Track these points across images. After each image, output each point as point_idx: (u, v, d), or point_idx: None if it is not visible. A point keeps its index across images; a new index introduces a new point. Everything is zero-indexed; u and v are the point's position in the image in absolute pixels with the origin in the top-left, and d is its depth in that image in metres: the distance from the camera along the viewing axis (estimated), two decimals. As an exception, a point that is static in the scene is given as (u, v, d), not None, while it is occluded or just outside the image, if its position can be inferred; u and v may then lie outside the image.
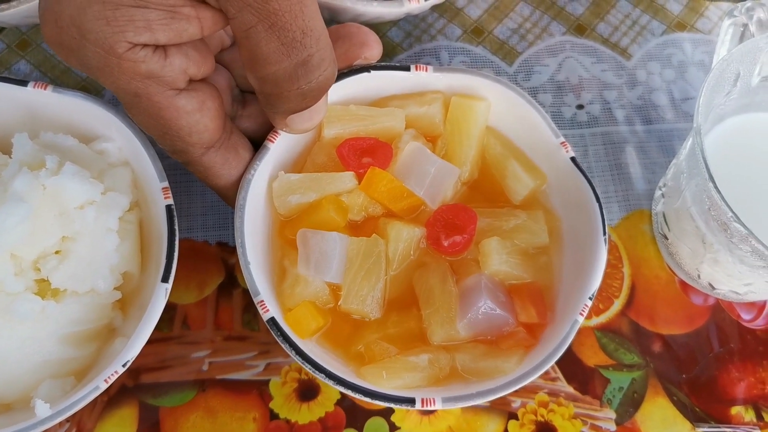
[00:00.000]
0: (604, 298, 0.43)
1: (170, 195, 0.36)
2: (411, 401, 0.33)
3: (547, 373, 0.41)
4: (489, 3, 0.50)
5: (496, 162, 0.40)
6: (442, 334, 0.36)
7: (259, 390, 0.39)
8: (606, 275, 0.44)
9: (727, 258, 0.37)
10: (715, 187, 0.33)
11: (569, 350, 0.42)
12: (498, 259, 0.37)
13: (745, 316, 0.44)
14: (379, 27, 0.48)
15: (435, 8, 0.50)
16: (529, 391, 0.41)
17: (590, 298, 0.36)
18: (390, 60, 0.48)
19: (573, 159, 0.39)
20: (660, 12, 0.51)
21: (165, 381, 0.39)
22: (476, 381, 0.35)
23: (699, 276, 0.42)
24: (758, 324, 0.44)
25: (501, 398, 0.41)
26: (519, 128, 0.40)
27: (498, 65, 0.48)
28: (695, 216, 0.38)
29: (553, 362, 0.34)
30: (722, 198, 0.33)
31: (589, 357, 0.42)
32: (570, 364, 0.42)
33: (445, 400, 0.33)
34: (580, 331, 0.42)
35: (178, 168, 0.43)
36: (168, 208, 0.35)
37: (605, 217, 0.37)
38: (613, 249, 0.45)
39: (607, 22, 0.51)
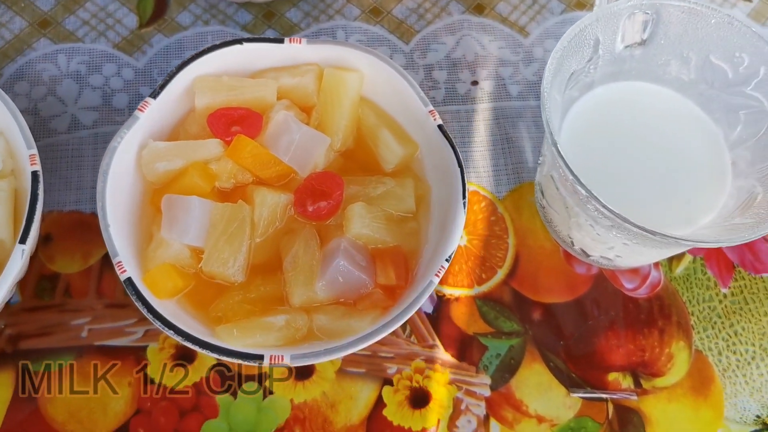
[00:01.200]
0: (487, 268, 0.44)
1: (37, 162, 0.37)
2: (260, 357, 0.34)
3: (424, 339, 0.42)
4: (389, -17, 0.51)
5: (369, 132, 0.41)
6: (301, 295, 0.36)
7: (136, 356, 0.40)
8: (491, 246, 0.45)
9: (585, 221, 0.38)
10: (557, 150, 0.34)
11: (448, 318, 0.42)
12: (360, 222, 0.38)
13: (628, 285, 0.44)
14: (277, 7, 0.49)
15: (335, -11, 0.51)
16: (406, 358, 0.41)
17: (447, 260, 0.36)
18: (287, 39, 0.49)
19: (440, 127, 0.39)
20: (569, -9, 0.52)
21: (43, 347, 0.40)
22: (330, 341, 0.36)
23: (572, 243, 0.42)
24: (641, 293, 0.44)
25: (377, 364, 0.41)
26: (392, 99, 0.41)
27: (395, 44, 0.49)
28: (556, 181, 0.38)
29: (402, 321, 0.35)
30: (564, 161, 0.34)
31: (468, 325, 0.42)
32: (449, 332, 0.42)
33: (294, 357, 0.34)
34: (460, 300, 0.43)
35: (71, 143, 0.44)
36: (34, 174, 0.36)
37: (466, 183, 0.38)
38: (499, 221, 0.45)
39: (507, 2, 0.51)
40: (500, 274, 0.44)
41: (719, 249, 0.45)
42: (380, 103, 0.42)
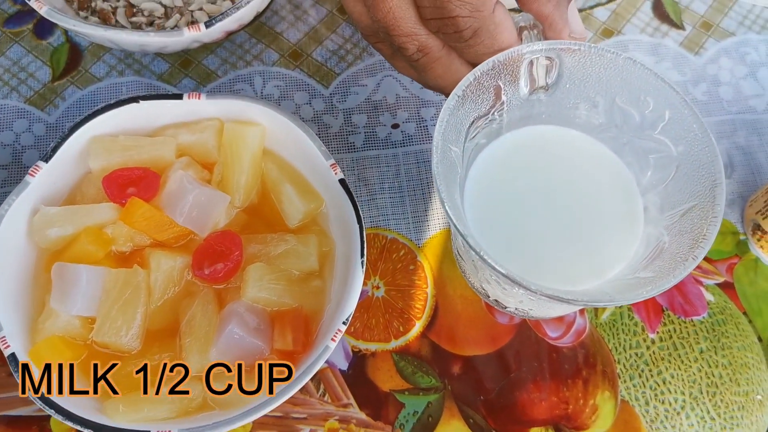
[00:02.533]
0: (405, 320, 0.43)
1: None
2: (144, 435, 0.33)
3: (339, 398, 0.40)
4: (310, 26, 0.50)
5: (273, 186, 0.40)
6: (197, 363, 0.35)
7: (39, 426, 0.39)
8: (409, 297, 0.43)
9: (490, 275, 0.36)
10: (444, 208, 0.33)
11: (364, 375, 0.41)
12: (257, 285, 0.36)
13: (552, 333, 0.43)
14: (194, 54, 0.49)
15: (253, 33, 0.50)
16: (319, 418, 0.40)
17: (344, 323, 0.35)
18: (204, 87, 0.48)
19: (341, 181, 0.38)
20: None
21: (-57, 419, 0.39)
22: (223, 411, 0.34)
23: (487, 294, 0.41)
24: (565, 341, 0.43)
25: (289, 426, 0.40)
26: (295, 152, 0.40)
27: (314, 88, 0.48)
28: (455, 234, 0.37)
29: (295, 391, 0.34)
30: (451, 219, 0.33)
31: (384, 381, 0.41)
32: (364, 390, 0.41)
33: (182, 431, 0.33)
34: (377, 355, 0.42)
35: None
36: None
37: (365, 240, 0.37)
38: (418, 269, 0.44)
39: (431, 40, 0.50)
40: (418, 326, 0.43)
41: (647, 292, 0.44)
42: (285, 156, 0.41)
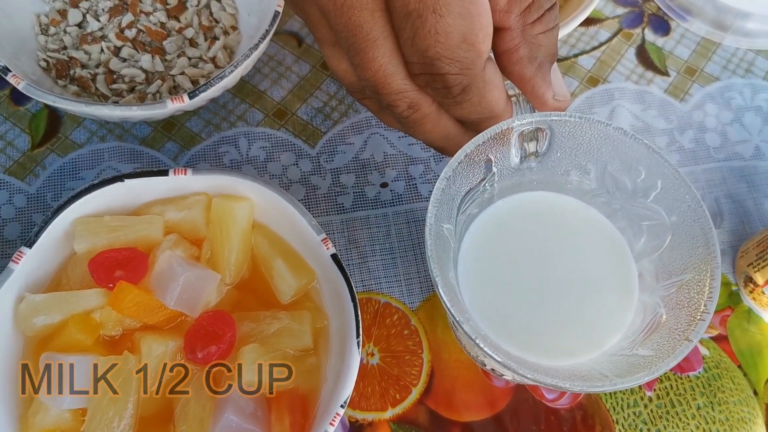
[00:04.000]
0: (401, 387, 0.42)
1: None
2: None
3: (337, 473, 0.40)
4: (294, 83, 0.50)
5: (264, 261, 0.39)
6: (192, 453, 0.35)
7: None
8: (405, 363, 0.43)
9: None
10: (435, 283, 0.32)
11: (362, 447, 0.41)
12: (251, 368, 0.36)
13: (549, 395, 0.43)
14: (177, 117, 0.48)
15: (236, 93, 0.49)
16: (318, 494, 0.39)
17: (342, 406, 0.35)
18: (188, 150, 0.47)
19: (333, 256, 0.38)
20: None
21: None
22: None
23: (484, 363, 0.40)
24: (562, 403, 0.42)
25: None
26: (285, 225, 0.40)
27: (300, 147, 0.48)
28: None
29: (294, 481, 0.33)
30: (445, 302, 0.32)
31: (382, 452, 0.41)
32: (363, 461, 0.40)
33: None
34: (374, 425, 0.41)
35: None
36: None
37: (360, 317, 0.36)
38: (413, 334, 0.43)
39: (417, 94, 0.50)
40: (415, 393, 0.42)
41: (642, 348, 0.44)
42: (275, 229, 0.40)
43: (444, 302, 0.32)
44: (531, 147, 0.38)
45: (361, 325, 0.36)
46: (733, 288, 0.46)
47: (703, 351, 0.44)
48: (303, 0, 0.34)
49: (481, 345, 0.31)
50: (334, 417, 0.34)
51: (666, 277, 0.36)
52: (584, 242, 0.39)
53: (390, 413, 0.41)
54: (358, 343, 0.36)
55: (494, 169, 0.38)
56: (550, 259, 0.38)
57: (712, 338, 0.44)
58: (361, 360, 0.42)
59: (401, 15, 0.31)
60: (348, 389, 0.35)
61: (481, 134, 0.36)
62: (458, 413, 0.42)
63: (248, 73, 0.49)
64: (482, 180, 0.37)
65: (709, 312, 0.33)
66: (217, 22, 0.48)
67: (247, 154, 0.47)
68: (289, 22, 0.52)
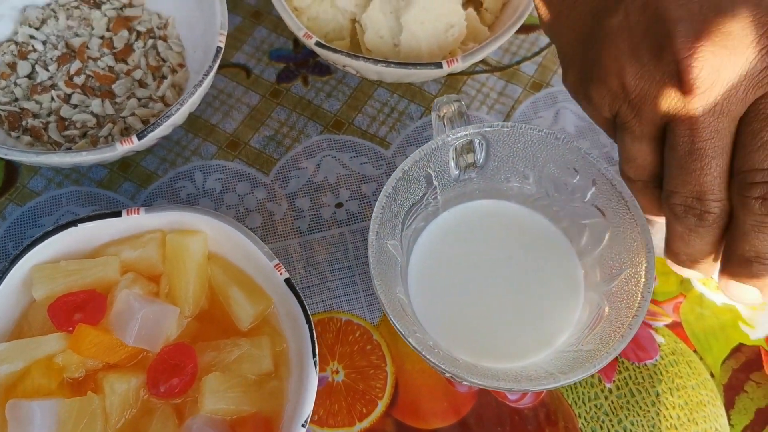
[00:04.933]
0: (367, 401, 0.43)
1: None
2: None
3: (310, 491, 0.41)
4: (244, 114, 0.51)
5: (221, 291, 0.40)
6: (160, 485, 0.36)
7: None
8: (369, 377, 0.44)
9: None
10: (381, 302, 0.34)
11: (332, 463, 0.42)
12: (214, 397, 0.37)
13: (512, 396, 0.44)
14: (133, 157, 0.49)
15: (189, 128, 0.50)
16: None
17: (303, 426, 0.36)
18: (145, 189, 0.48)
19: (287, 281, 0.39)
20: (418, 95, 0.52)
21: None
22: None
23: (444, 371, 0.41)
24: (525, 403, 0.43)
25: None
26: (239, 254, 0.41)
27: (254, 176, 0.49)
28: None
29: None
30: (387, 312, 0.33)
31: (352, 467, 0.42)
32: (334, 478, 0.41)
33: None
34: (343, 442, 0.42)
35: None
36: None
37: (315, 338, 0.37)
38: (375, 349, 0.44)
39: (365, 114, 0.51)
40: (381, 405, 0.43)
41: (600, 342, 0.45)
42: (230, 259, 0.41)
43: (390, 318, 0.33)
44: (469, 158, 0.39)
45: (316, 346, 0.37)
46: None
47: (659, 339, 0.45)
48: (651, 96, 0.32)
49: (427, 356, 0.32)
50: (297, 437, 0.35)
51: (608, 272, 0.38)
52: (529, 246, 0.40)
53: (358, 427, 0.42)
54: (314, 363, 0.37)
55: (435, 183, 0.39)
56: (497, 265, 0.40)
57: (666, 326, 0.46)
58: (327, 378, 0.43)
59: (762, 118, 0.30)
60: (307, 409, 0.36)
61: (418, 150, 0.37)
62: (425, 421, 0.43)
63: (199, 108, 0.51)
64: (424, 194, 0.39)
65: (646, 301, 0.34)
66: (164, 61, 0.49)
67: (204, 187, 0.48)
68: (236, 54, 0.53)
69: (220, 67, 0.52)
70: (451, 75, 0.52)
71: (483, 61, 0.53)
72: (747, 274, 0.33)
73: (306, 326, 0.37)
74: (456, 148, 0.38)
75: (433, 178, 0.38)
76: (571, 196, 0.39)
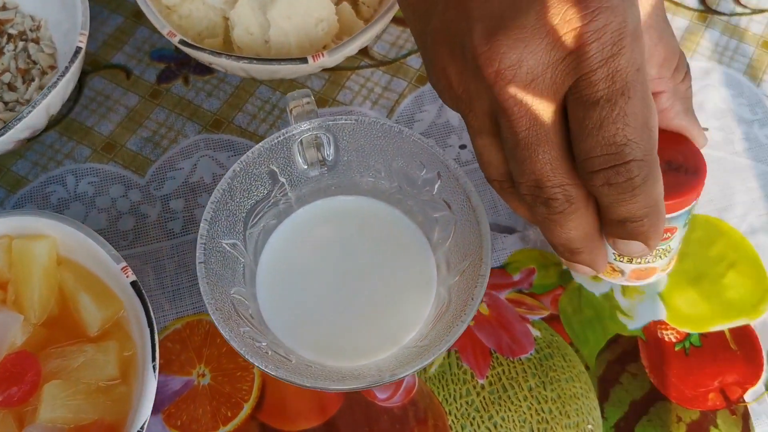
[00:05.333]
0: (233, 404, 0.42)
1: None
2: None
3: (170, 497, 0.40)
4: (122, 115, 0.50)
5: (70, 296, 0.40)
6: (-4, 496, 0.35)
7: None
8: (236, 379, 0.43)
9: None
10: (201, 287, 0.33)
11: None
12: (52, 405, 0.36)
13: (381, 395, 0.43)
14: (3, 161, 0.48)
15: (63, 132, 0.49)
16: None
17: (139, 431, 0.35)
18: (14, 194, 0.47)
19: (133, 283, 0.38)
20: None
21: None
22: None
23: (302, 371, 0.41)
24: (395, 401, 0.43)
25: None
26: (89, 259, 0.40)
27: (130, 179, 0.48)
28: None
29: None
30: (206, 300, 0.33)
31: (215, 471, 0.41)
32: (195, 483, 0.41)
33: None
34: (202, 446, 0.41)
35: None
36: None
37: (156, 342, 0.37)
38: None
39: (246, 112, 0.50)
40: (246, 408, 0.42)
41: (474, 336, 0.44)
42: (83, 263, 0.41)
43: (213, 319, 0.33)
44: (318, 153, 0.38)
45: (157, 350, 0.36)
46: (564, 267, 0.46)
47: (535, 333, 0.45)
48: (474, 93, 0.32)
49: (249, 358, 0.32)
50: (138, 444, 0.35)
51: (455, 266, 0.37)
52: (385, 242, 0.40)
53: (221, 431, 0.42)
54: (153, 367, 0.36)
55: (282, 179, 0.38)
56: (350, 263, 0.39)
57: (543, 319, 0.45)
58: (192, 381, 0.43)
59: (586, 105, 0.30)
60: (143, 415, 0.35)
61: (257, 146, 0.36)
62: (291, 423, 0.42)
63: (74, 111, 0.50)
64: (270, 191, 0.38)
65: (478, 296, 0.33)
66: (35, 63, 0.49)
67: (75, 191, 0.47)
68: (117, 55, 0.53)
69: (99, 68, 0.52)
70: (335, 70, 0.52)
71: (368, 56, 0.52)
72: (624, 235, 0.35)
73: (147, 329, 0.37)
74: (302, 144, 0.37)
75: (279, 175, 0.38)
76: (421, 189, 0.38)
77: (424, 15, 0.33)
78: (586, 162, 0.32)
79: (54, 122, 0.50)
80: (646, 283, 0.43)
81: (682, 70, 0.37)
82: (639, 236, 0.35)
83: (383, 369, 0.33)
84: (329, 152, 0.38)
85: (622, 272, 0.42)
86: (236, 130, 0.50)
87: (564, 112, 0.31)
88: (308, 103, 0.37)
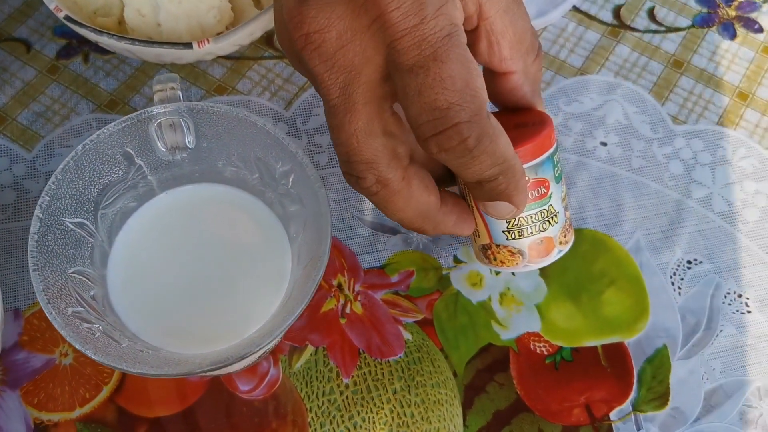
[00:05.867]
0: (92, 386, 0.42)
1: None
2: None
3: (14, 476, 0.40)
4: (17, 89, 0.50)
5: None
6: None
7: None
8: (96, 363, 0.43)
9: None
10: (30, 266, 0.32)
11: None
12: None
13: (244, 387, 0.43)
14: None
15: (-45, 101, 0.49)
16: (-8, 498, 0.39)
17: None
18: None
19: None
20: (201, 78, 0.51)
21: None
22: None
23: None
24: (257, 394, 0.42)
25: None
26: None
27: (16, 152, 0.47)
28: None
29: None
30: (33, 280, 0.32)
31: (63, 453, 0.41)
32: (43, 463, 0.40)
33: None
34: (59, 425, 0.41)
35: None
36: None
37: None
38: (110, 332, 0.43)
39: (143, 94, 0.50)
40: (105, 390, 0.42)
41: (344, 335, 0.44)
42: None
43: (38, 298, 0.32)
44: (175, 140, 0.38)
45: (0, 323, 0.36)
46: (444, 272, 0.46)
47: (407, 335, 0.44)
48: (293, 59, 0.33)
49: (68, 338, 0.31)
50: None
51: (302, 262, 0.36)
52: (244, 232, 0.39)
53: (77, 413, 0.41)
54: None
55: (139, 162, 0.38)
56: (207, 251, 0.39)
57: (416, 322, 0.45)
58: (54, 360, 0.42)
59: (403, 73, 0.30)
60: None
61: (109, 125, 0.36)
62: (149, 409, 0.42)
63: (-31, 81, 0.49)
64: (126, 173, 0.38)
65: (311, 290, 0.33)
66: (-70, 30, 0.48)
67: (-42, 162, 0.47)
68: (20, 28, 0.52)
69: (0, 41, 0.51)
70: (238, 59, 0.51)
71: (273, 47, 0.52)
72: (485, 196, 0.35)
73: (-7, 305, 0.36)
74: (160, 127, 0.37)
75: (135, 157, 0.37)
76: (278, 182, 0.38)
77: None
78: (416, 130, 0.32)
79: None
80: (549, 261, 0.40)
81: (533, 51, 0.37)
82: (501, 195, 0.35)
83: (199, 362, 0.33)
84: (189, 138, 0.38)
85: (521, 253, 0.40)
86: (131, 111, 0.49)
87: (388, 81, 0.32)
88: (173, 88, 0.37)
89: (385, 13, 0.29)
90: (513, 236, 0.39)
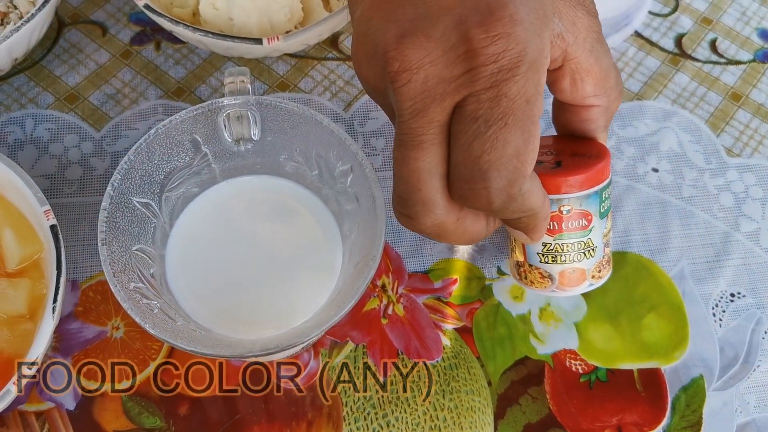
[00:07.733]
0: (140, 361, 0.44)
1: None
2: None
3: (60, 439, 0.41)
4: (91, 70, 0.52)
5: (-3, 231, 0.41)
6: None
7: None
8: (148, 337, 0.44)
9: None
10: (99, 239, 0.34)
11: (89, 416, 0.42)
12: (-47, 329, 0.37)
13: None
14: (-30, 96, 0.50)
15: (33, 77, 0.51)
16: (38, 457, 0.41)
17: (29, 367, 0.36)
18: (-25, 129, 0.49)
19: (53, 227, 0.39)
20: (265, 73, 0.52)
21: None
22: None
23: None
24: (296, 384, 0.44)
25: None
26: (20, 198, 0.41)
27: (86, 131, 0.50)
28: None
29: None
30: (101, 253, 0.34)
31: (109, 422, 0.42)
32: (88, 430, 0.42)
33: None
34: (106, 396, 0.43)
35: None
36: None
37: (60, 285, 0.38)
38: (160, 311, 0.45)
39: (209, 85, 0.52)
40: (152, 366, 0.44)
41: (384, 334, 0.45)
42: (13, 201, 0.42)
43: (104, 270, 0.34)
44: (242, 131, 0.39)
45: (61, 292, 0.38)
46: (487, 282, 0.47)
47: (445, 341, 0.45)
48: (382, 88, 0.33)
49: (129, 312, 0.33)
50: (18, 378, 0.36)
51: (353, 260, 0.38)
52: (299, 226, 0.41)
53: (124, 384, 0.43)
54: (54, 308, 0.37)
55: (205, 149, 0.39)
56: (261, 240, 0.40)
57: (456, 329, 0.46)
58: (105, 332, 0.44)
59: (466, 119, 0.31)
60: (36, 351, 0.36)
61: (181, 112, 0.38)
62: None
63: (47, 59, 0.52)
64: (192, 159, 0.39)
65: (360, 289, 0.34)
66: (15, 8, 0.50)
67: (32, 135, 0.49)
68: (97, 12, 0.54)
69: (78, 22, 0.53)
70: (302, 58, 0.53)
71: (337, 49, 0.53)
72: (506, 223, 0.37)
73: (56, 271, 0.38)
74: (228, 117, 0.38)
75: (202, 145, 0.39)
76: (338, 180, 0.39)
77: (352, 5, 0.34)
78: (453, 173, 0.32)
79: (24, 67, 0.51)
80: (577, 291, 0.41)
81: (616, 88, 0.38)
82: (518, 227, 0.37)
83: (258, 344, 0.34)
84: (255, 131, 0.39)
85: (551, 278, 0.40)
86: (196, 100, 0.51)
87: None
88: (243, 81, 0.38)
89: (479, 66, 0.30)
90: (546, 260, 0.40)
